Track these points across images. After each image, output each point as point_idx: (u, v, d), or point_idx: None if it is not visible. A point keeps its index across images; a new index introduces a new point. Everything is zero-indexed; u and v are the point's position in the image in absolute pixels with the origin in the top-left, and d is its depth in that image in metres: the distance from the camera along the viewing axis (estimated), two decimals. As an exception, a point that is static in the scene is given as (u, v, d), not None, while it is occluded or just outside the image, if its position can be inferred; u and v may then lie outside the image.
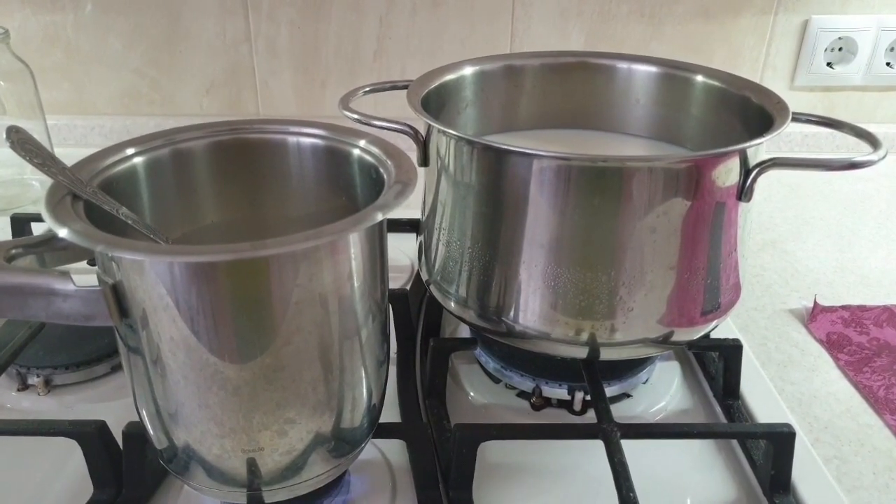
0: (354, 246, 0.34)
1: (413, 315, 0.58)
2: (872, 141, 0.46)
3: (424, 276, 0.52)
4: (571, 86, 0.59)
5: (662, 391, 0.54)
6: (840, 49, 0.92)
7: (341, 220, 0.31)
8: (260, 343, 0.32)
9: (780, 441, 0.43)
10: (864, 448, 0.49)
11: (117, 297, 0.32)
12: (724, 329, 0.58)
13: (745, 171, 0.43)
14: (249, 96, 0.97)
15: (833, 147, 0.96)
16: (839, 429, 0.50)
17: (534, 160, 0.41)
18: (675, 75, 0.56)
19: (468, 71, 0.54)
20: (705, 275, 0.45)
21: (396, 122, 0.49)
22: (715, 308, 0.47)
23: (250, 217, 0.43)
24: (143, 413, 0.36)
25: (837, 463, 0.47)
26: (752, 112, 0.50)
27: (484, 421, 0.51)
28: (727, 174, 0.42)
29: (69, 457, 0.46)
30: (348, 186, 0.41)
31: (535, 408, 0.52)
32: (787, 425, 0.43)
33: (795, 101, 0.95)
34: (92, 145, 0.97)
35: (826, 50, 0.91)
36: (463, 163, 0.45)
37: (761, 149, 0.44)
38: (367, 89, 0.54)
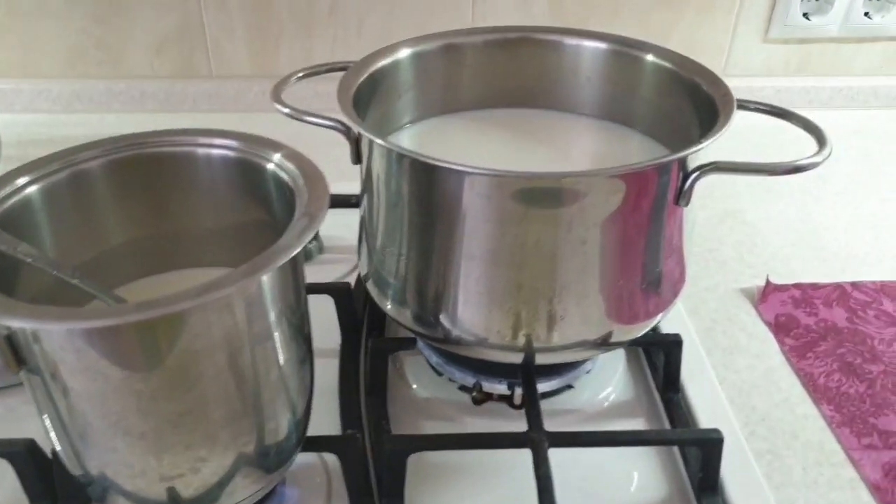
0: (255, 289, 0.32)
1: (359, 306, 0.57)
2: (819, 137, 0.44)
3: (362, 271, 0.51)
4: (517, 63, 0.56)
5: (605, 381, 0.54)
6: (817, -1, 0.88)
7: (253, 249, 0.30)
8: (159, 393, 0.31)
9: (708, 447, 0.43)
10: (798, 441, 0.49)
11: (13, 347, 0.31)
12: (673, 313, 0.58)
13: (683, 175, 0.42)
14: (201, 56, 0.93)
15: (806, 102, 0.94)
16: (775, 420, 0.51)
17: (464, 177, 0.39)
18: (625, 53, 0.54)
19: (404, 54, 0.51)
20: (641, 280, 0.44)
21: (328, 119, 0.47)
22: (654, 309, 0.47)
23: (161, 234, 0.41)
24: (56, 447, 0.36)
25: (770, 458, 0.48)
26: (702, 99, 0.48)
27: (424, 417, 0.51)
28: (663, 182, 0.41)
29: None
30: (265, 201, 0.39)
31: (476, 402, 0.52)
32: (716, 431, 0.44)
33: (770, 54, 0.92)
34: (39, 110, 0.94)
35: (802, 0, 0.87)
36: (392, 171, 0.43)
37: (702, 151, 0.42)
38: (301, 75, 0.51)
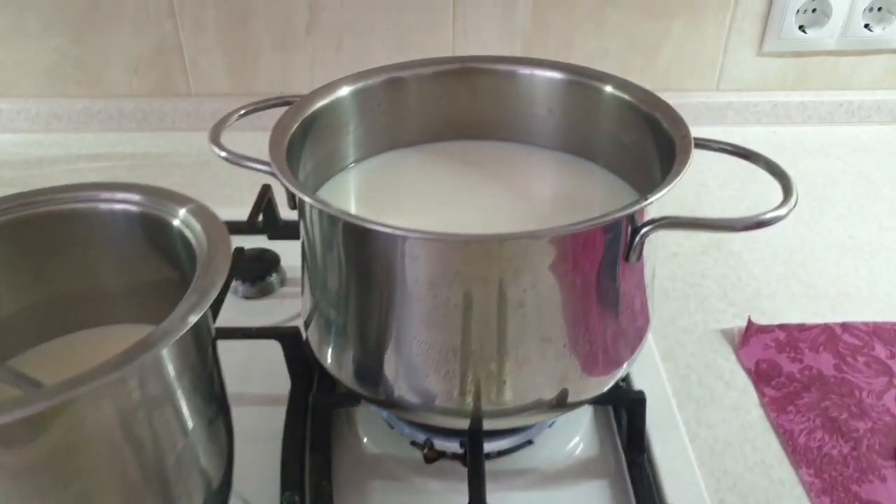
0: (135, 377, 0.30)
1: (310, 352, 0.54)
2: (785, 185, 0.40)
3: (303, 317, 0.48)
4: (471, 94, 0.53)
5: (569, 436, 0.51)
6: (814, 10, 0.83)
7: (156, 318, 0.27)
8: (42, 490, 0.29)
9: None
10: (771, 510, 0.46)
11: None
12: (645, 355, 0.55)
13: (632, 230, 0.38)
14: (180, 75, 0.91)
15: (804, 117, 0.89)
16: (748, 486, 0.47)
17: (391, 238, 0.36)
18: (583, 84, 0.50)
19: (345, 91, 0.48)
20: (591, 340, 0.41)
21: (264, 163, 0.44)
22: (609, 368, 0.43)
23: (62, 297, 0.38)
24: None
25: (738, 529, 0.45)
26: (663, 137, 0.45)
27: (372, 475, 0.48)
28: (609, 239, 0.38)
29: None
30: (174, 259, 0.37)
31: (428, 460, 0.49)
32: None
33: (765, 68, 0.88)
34: (18, 130, 0.93)
35: (798, 12, 0.83)
36: (324, 227, 0.40)
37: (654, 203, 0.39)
38: (242, 112, 0.49)
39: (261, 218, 0.64)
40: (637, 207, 0.36)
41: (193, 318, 0.29)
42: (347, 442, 0.51)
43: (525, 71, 0.51)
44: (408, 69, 0.50)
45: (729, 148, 0.44)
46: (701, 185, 0.78)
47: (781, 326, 0.59)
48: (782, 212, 0.38)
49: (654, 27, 0.85)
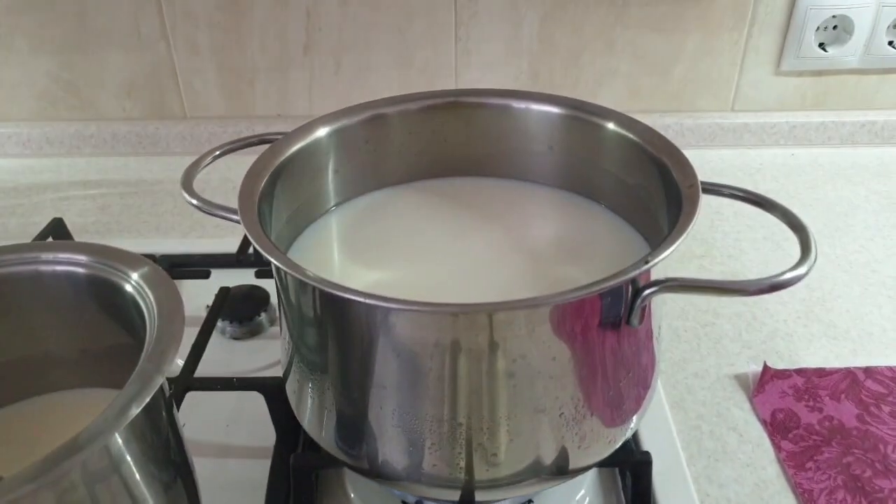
0: (77, 472, 0.27)
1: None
2: (803, 240, 0.37)
3: (283, 368, 0.45)
4: (462, 129, 0.49)
5: (570, 495, 0.47)
6: (835, 28, 0.79)
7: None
8: None
9: None
10: (788, 585, 0.42)
11: None
12: (654, 405, 0.51)
13: (633, 292, 0.35)
14: (174, 98, 0.88)
15: (825, 139, 0.85)
16: (762, 556, 0.43)
17: (377, 310, 0.33)
18: (581, 119, 0.47)
19: (324, 131, 0.45)
20: (590, 408, 0.37)
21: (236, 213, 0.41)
22: (613, 432, 0.40)
23: (5, 365, 0.35)
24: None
25: None
26: (669, 183, 0.41)
27: (360, 539, 0.45)
28: (606, 305, 0.34)
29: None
30: (128, 324, 0.34)
31: (420, 521, 0.46)
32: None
33: (783, 88, 0.84)
34: (9, 155, 0.91)
35: (818, 29, 0.79)
36: (298, 289, 0.37)
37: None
38: (217, 153, 0.46)
39: (251, 250, 0.62)
40: (637, 272, 0.32)
41: (132, 413, 0.26)
42: (335, 500, 0.48)
43: (520, 105, 0.48)
44: (393, 105, 0.47)
45: (741, 194, 0.41)
46: (716, 212, 0.74)
47: (799, 371, 0.55)
48: (801, 271, 0.35)
49: (665, 45, 0.82)
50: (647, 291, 0.34)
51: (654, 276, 0.35)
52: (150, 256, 0.68)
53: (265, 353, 0.59)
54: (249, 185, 0.38)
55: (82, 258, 0.34)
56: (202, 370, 0.52)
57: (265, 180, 0.40)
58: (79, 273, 0.34)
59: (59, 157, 0.90)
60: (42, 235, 0.66)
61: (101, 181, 0.85)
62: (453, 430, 0.35)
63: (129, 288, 0.32)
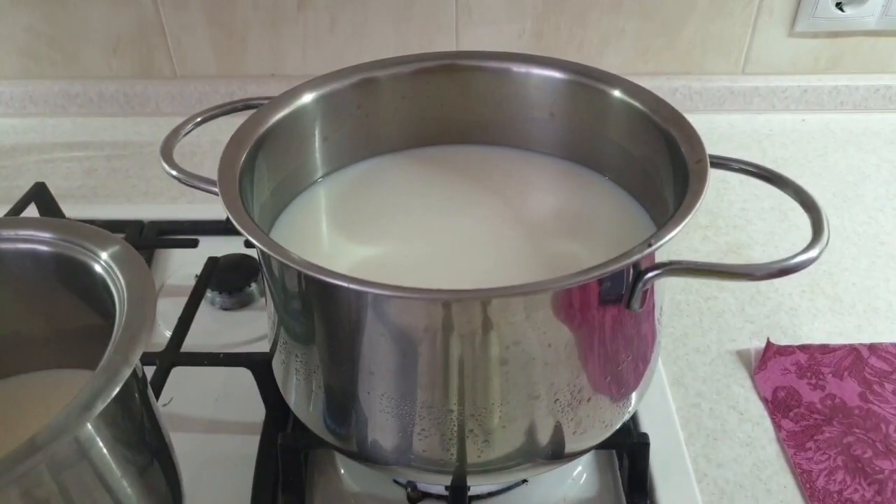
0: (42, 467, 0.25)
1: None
2: (815, 221, 0.35)
3: (269, 343, 0.43)
4: (458, 94, 0.47)
5: (566, 475, 0.46)
6: (852, -14, 0.76)
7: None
8: None
9: None
10: (785, 569, 0.41)
11: None
12: (653, 383, 0.50)
13: (634, 276, 0.33)
14: (162, 55, 0.85)
15: (837, 103, 0.82)
16: (760, 538, 0.43)
17: (363, 295, 0.31)
18: (586, 85, 0.44)
19: (311, 97, 0.42)
20: (587, 394, 0.36)
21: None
22: (610, 417, 0.38)
23: None
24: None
25: (748, 592, 0.40)
26: (676, 156, 0.39)
27: (351, 516, 0.44)
28: (605, 290, 0.32)
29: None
30: (99, 305, 0.32)
31: (412, 501, 0.45)
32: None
33: (796, 50, 0.80)
34: (-7, 114, 0.88)
35: (834, -12, 0.75)
36: (282, 272, 0.35)
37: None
38: (199, 120, 0.43)
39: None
40: (639, 256, 0.30)
41: (97, 408, 0.24)
42: (325, 477, 0.47)
43: (520, 69, 0.45)
44: (385, 68, 0.45)
45: (752, 169, 0.38)
46: (721, 181, 0.72)
47: (802, 347, 0.54)
48: (812, 254, 0.33)
49: (675, 4, 0.78)
50: (650, 275, 0.32)
51: (657, 258, 0.33)
52: (138, 222, 0.67)
53: (256, 324, 0.58)
54: (230, 157, 0.36)
55: (46, 235, 0.32)
56: (191, 342, 0.51)
57: (247, 150, 0.37)
58: (43, 251, 0.32)
59: (44, 116, 0.87)
60: (24, 201, 0.64)
61: (87, 143, 0.82)
62: (444, 416, 0.34)
63: (98, 269, 0.30)
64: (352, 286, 0.29)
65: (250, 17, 0.82)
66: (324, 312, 0.34)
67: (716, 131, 0.80)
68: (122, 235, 0.65)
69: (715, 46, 0.80)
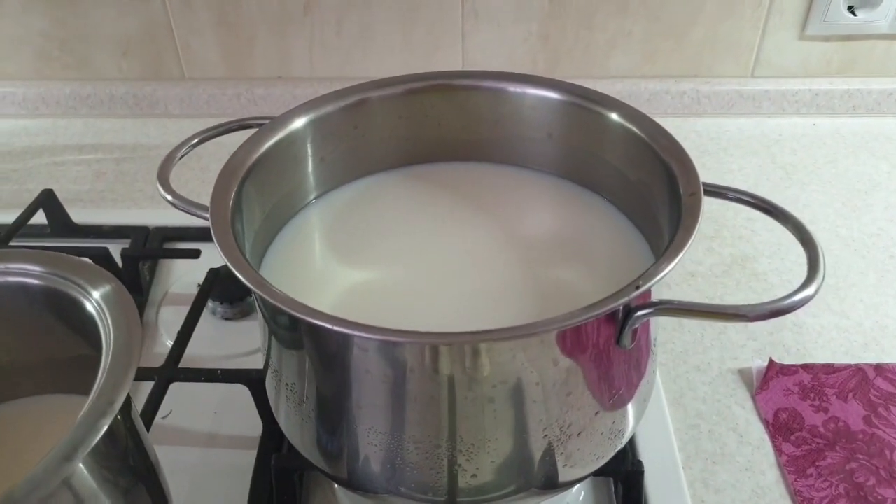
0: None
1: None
2: (812, 259, 0.34)
3: (263, 361, 0.44)
4: (455, 113, 0.46)
5: (560, 499, 0.46)
6: (867, -11, 0.74)
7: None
8: None
9: None
10: None
11: None
12: (652, 402, 0.50)
13: (624, 314, 0.32)
14: (171, 58, 0.85)
15: (849, 107, 0.80)
16: (754, 567, 0.42)
17: (349, 336, 0.31)
18: (582, 107, 0.44)
19: (304, 120, 0.42)
20: (578, 428, 0.35)
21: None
22: (603, 448, 0.38)
23: None
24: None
25: None
26: (674, 185, 0.38)
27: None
28: (593, 330, 0.32)
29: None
30: (90, 337, 0.32)
31: (406, 521, 0.45)
32: None
33: (808, 53, 0.79)
34: (6, 115, 0.89)
35: (849, -9, 0.74)
36: (270, 307, 0.35)
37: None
38: (195, 141, 0.43)
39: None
40: (627, 298, 0.30)
41: (75, 462, 0.24)
42: (320, 496, 0.47)
43: (516, 89, 0.45)
44: (380, 88, 0.44)
45: (749, 199, 0.38)
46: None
47: (806, 366, 0.53)
48: (808, 293, 0.33)
49: (683, 6, 0.77)
50: (639, 314, 0.32)
51: (651, 294, 0.33)
52: (144, 228, 0.67)
53: (257, 335, 0.58)
54: (223, 188, 0.36)
55: (36, 269, 0.32)
56: (191, 352, 0.52)
57: (240, 179, 0.37)
58: (33, 284, 0.32)
59: (56, 117, 0.88)
60: (32, 208, 0.64)
61: (96, 145, 0.83)
62: (432, 451, 0.34)
63: (89, 307, 0.31)
64: (335, 328, 0.29)
65: (257, 20, 0.82)
66: (311, 347, 0.34)
67: (724, 135, 0.79)
68: (127, 241, 0.66)
69: (724, 49, 0.79)
